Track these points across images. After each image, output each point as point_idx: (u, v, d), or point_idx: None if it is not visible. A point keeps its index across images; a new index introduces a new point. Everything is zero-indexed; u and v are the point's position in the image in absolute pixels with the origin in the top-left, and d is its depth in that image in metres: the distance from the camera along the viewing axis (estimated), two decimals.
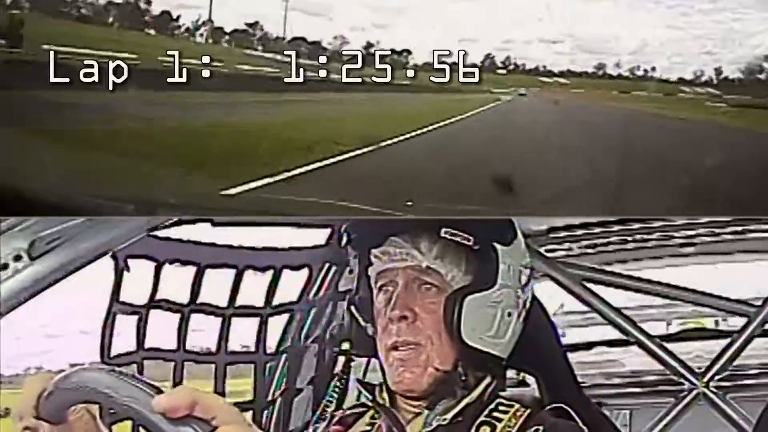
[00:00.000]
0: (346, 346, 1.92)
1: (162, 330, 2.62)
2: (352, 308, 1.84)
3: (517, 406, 1.77)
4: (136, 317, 2.53)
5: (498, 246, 1.76)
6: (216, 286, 2.68)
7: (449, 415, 1.73)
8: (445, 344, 1.73)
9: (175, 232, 2.51)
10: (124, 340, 2.52)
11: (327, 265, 2.91)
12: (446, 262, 1.76)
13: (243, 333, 2.81)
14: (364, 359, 2.22)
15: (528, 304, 1.84)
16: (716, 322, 4.11)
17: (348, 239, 1.83)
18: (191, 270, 2.61)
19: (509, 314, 1.77)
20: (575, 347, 3.72)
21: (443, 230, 1.74)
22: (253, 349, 2.85)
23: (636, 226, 3.32)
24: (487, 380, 1.79)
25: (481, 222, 1.81)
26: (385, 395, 1.79)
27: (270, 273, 2.80)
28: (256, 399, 2.87)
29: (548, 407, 1.78)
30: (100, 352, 2.44)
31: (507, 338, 1.77)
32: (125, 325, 2.52)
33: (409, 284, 1.75)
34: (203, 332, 2.72)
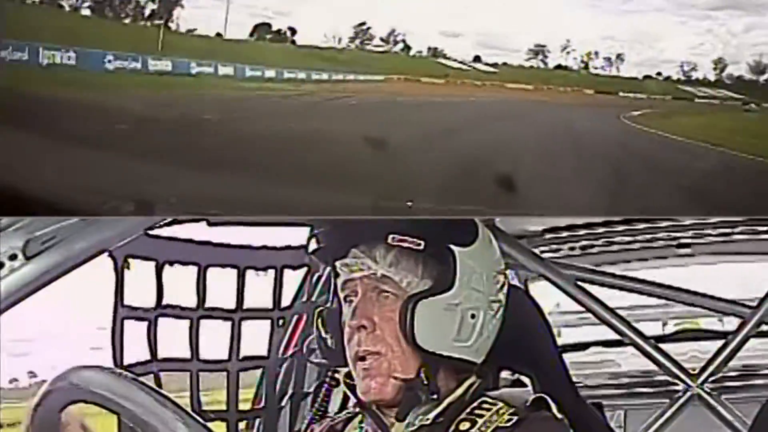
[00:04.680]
0: (319, 357, 1.92)
1: (173, 337, 2.60)
2: (318, 320, 1.86)
3: (501, 404, 1.78)
4: (144, 323, 2.51)
5: (455, 248, 1.75)
6: (219, 286, 2.67)
7: (432, 415, 1.75)
8: (405, 351, 1.73)
9: (172, 232, 2.50)
10: (133, 346, 2.49)
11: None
12: (400, 269, 1.76)
13: (251, 336, 2.79)
14: None
15: (502, 307, 1.83)
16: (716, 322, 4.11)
17: (317, 246, 1.84)
18: (192, 270, 2.60)
19: (473, 316, 1.76)
20: (570, 348, 3.74)
21: (389, 237, 1.74)
22: (264, 353, 2.84)
23: (641, 226, 3.33)
24: (471, 380, 1.81)
25: (439, 224, 1.81)
26: None
27: (271, 273, 2.79)
28: (267, 405, 2.86)
29: (529, 400, 1.79)
30: (113, 359, 2.42)
31: (473, 340, 1.76)
32: (133, 331, 2.49)
33: (367, 294, 1.76)
34: (212, 336, 2.69)
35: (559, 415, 1.75)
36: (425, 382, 1.74)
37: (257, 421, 2.86)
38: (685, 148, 15.99)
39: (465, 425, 1.74)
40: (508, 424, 1.73)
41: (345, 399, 2.65)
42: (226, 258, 2.67)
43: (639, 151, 14.70)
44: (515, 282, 3.43)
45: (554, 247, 3.41)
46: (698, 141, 16.54)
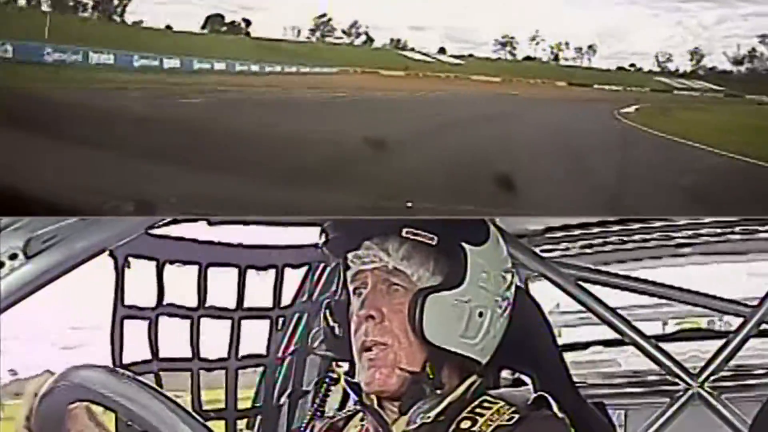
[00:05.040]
0: (324, 349, 1.93)
1: (173, 336, 2.60)
2: (326, 311, 1.87)
3: (501, 403, 1.79)
4: (145, 322, 2.51)
5: (467, 246, 1.77)
6: (219, 286, 2.67)
7: (433, 413, 1.76)
8: (413, 344, 1.75)
9: (172, 231, 2.50)
10: (134, 346, 2.49)
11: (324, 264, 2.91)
12: (412, 263, 1.78)
13: (251, 335, 2.79)
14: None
15: (510, 308, 1.84)
16: (711, 322, 4.12)
17: (325, 240, 1.85)
18: (193, 270, 2.60)
19: (480, 314, 1.77)
20: (571, 347, 3.74)
21: (404, 230, 1.76)
22: (262, 352, 2.83)
23: (636, 226, 3.33)
24: (472, 378, 1.82)
25: (452, 222, 1.82)
26: (373, 396, 1.80)
27: (272, 272, 2.80)
28: (265, 404, 2.86)
29: (530, 398, 1.80)
30: (112, 358, 2.41)
31: (479, 339, 1.78)
32: (133, 330, 2.49)
33: (377, 285, 1.78)
34: (211, 335, 2.69)
35: (560, 414, 1.75)
36: (430, 376, 1.75)
37: (257, 419, 2.86)
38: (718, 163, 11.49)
39: (466, 423, 1.75)
40: (509, 423, 1.74)
41: (344, 397, 2.66)
42: (227, 257, 2.67)
43: (655, 163, 11.26)
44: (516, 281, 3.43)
45: (554, 246, 3.41)
46: (725, 150, 12.28)
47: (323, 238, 1.85)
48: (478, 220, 1.85)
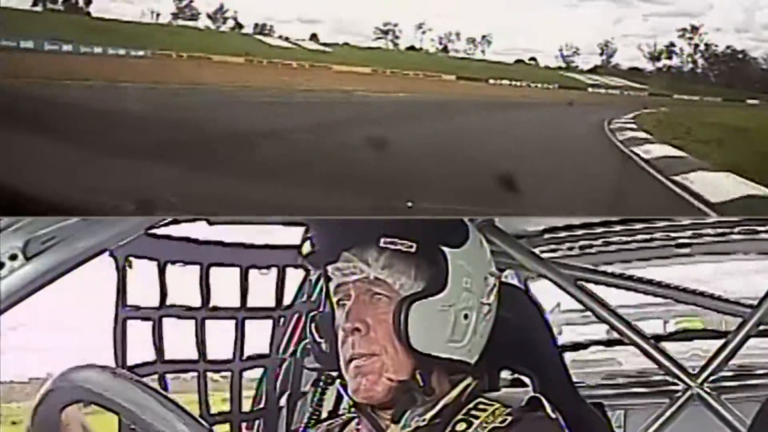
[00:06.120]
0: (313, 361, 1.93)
1: (177, 337, 2.59)
2: (311, 324, 1.86)
3: (497, 405, 1.78)
4: (148, 323, 2.50)
5: (446, 249, 1.76)
6: (221, 285, 2.67)
7: (428, 416, 1.76)
8: (400, 353, 1.74)
9: (173, 231, 2.50)
10: (137, 346, 2.48)
11: None
12: (393, 271, 1.77)
13: (252, 336, 2.79)
14: None
15: (494, 308, 1.84)
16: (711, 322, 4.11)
17: (309, 251, 1.84)
18: (194, 270, 2.60)
19: (466, 316, 1.77)
20: (571, 347, 3.74)
21: (381, 240, 1.74)
22: (265, 352, 2.83)
23: (639, 226, 3.33)
24: (467, 381, 1.82)
25: (429, 225, 1.81)
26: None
27: (273, 271, 2.80)
28: (268, 405, 2.86)
29: (524, 400, 1.80)
30: (115, 360, 2.40)
31: (467, 340, 1.77)
32: (136, 331, 2.48)
33: (360, 296, 1.77)
34: (213, 336, 2.69)
35: (553, 415, 1.75)
36: (420, 384, 1.75)
37: (257, 421, 2.86)
38: None
39: (461, 426, 1.75)
40: (503, 425, 1.73)
41: (338, 399, 2.67)
42: (229, 257, 2.67)
43: None
44: (515, 282, 3.44)
45: (554, 246, 3.41)
46: None
47: (305, 250, 1.84)
48: (458, 220, 1.84)
